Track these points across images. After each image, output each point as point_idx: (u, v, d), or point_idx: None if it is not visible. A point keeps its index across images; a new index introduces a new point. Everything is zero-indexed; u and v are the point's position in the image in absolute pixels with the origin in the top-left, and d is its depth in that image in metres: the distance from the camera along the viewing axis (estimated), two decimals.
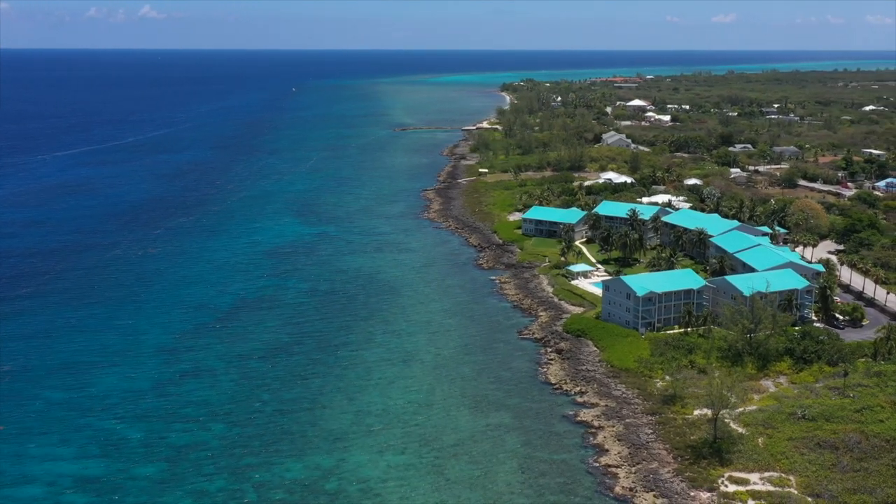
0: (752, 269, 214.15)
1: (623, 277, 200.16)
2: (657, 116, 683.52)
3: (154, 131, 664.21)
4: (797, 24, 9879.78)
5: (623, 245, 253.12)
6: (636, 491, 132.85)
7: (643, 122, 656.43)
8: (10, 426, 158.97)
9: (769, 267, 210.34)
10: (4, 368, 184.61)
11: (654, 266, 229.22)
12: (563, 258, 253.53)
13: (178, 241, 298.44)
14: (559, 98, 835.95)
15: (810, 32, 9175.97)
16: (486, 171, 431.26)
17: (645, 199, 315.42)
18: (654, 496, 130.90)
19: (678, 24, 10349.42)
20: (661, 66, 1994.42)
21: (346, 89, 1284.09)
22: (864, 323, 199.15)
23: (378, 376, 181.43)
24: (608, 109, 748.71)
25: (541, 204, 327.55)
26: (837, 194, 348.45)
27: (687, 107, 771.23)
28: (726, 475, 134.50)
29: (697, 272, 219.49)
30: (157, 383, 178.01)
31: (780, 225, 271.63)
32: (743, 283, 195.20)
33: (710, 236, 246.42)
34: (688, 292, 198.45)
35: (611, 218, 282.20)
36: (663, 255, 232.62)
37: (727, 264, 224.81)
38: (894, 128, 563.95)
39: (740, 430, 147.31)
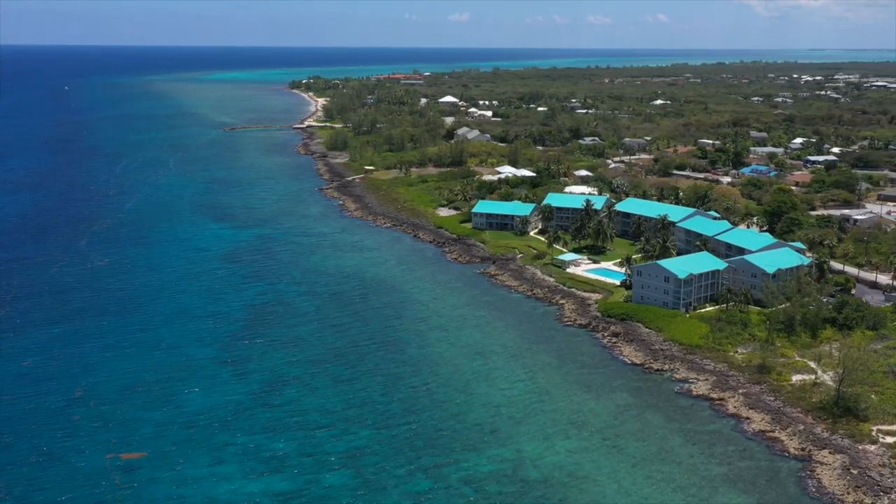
0: (741, 250, 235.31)
1: (659, 262, 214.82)
2: (480, 112, 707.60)
3: None
4: (527, 23, 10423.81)
5: (597, 234, 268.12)
6: (809, 450, 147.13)
7: (467, 118, 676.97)
8: (141, 450, 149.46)
9: (761, 247, 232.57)
10: (77, 394, 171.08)
11: (649, 254, 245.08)
12: (548, 248, 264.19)
13: (118, 252, 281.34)
14: (371, 96, 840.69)
15: (539, 31, 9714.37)
16: (372, 168, 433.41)
17: (577, 190, 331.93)
18: (829, 452, 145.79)
19: (416, 21, 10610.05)
20: (412, 63, 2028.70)
21: (120, 87, 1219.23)
22: (852, 292, 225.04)
23: (470, 370, 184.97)
24: (421, 104, 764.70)
25: (465, 199, 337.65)
26: (715, 181, 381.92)
27: (496, 102, 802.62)
28: (874, 429, 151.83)
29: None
30: (255, 395, 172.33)
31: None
32: (763, 262, 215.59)
33: (674, 222, 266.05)
34: (714, 273, 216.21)
35: (561, 209, 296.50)
36: (654, 241, 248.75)
37: (709, 247, 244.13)
38: (704, 120, 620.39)
39: (845, 389, 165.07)
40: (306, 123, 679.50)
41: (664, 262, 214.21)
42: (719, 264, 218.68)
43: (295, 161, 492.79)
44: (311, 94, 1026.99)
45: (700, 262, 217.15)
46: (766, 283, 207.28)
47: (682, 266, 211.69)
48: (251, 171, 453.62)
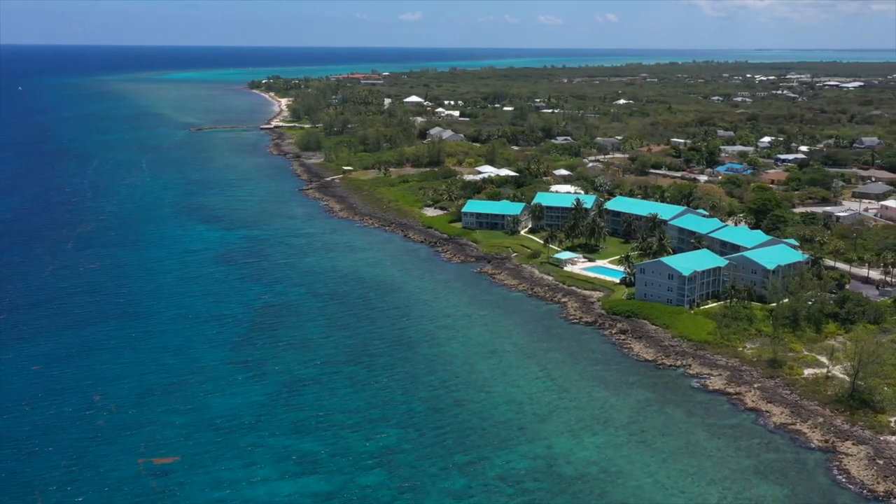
0: (736, 247, 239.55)
1: (663, 260, 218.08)
2: (447, 112, 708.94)
3: None
4: (478, 23, 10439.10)
5: (591, 232, 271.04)
6: (833, 441, 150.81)
7: (434, 117, 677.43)
8: (171, 455, 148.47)
9: (757, 244, 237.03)
10: (95, 399, 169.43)
11: (645, 252, 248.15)
12: (544, 246, 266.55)
13: (108, 256, 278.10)
14: (335, 96, 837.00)
15: (490, 31, 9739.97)
16: (350, 168, 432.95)
17: (562, 189, 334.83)
18: (853, 443, 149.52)
19: (367, 20, 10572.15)
20: (366, 63, 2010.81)
21: (76, 88, 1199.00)
22: (846, 288, 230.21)
23: (486, 368, 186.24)
24: (386, 104, 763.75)
25: (451, 199, 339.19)
26: (693, 180, 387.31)
27: (461, 102, 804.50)
28: (892, 420, 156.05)
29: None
30: (274, 397, 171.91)
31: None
32: (762, 259, 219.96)
33: (665, 220, 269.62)
34: (715, 270, 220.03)
35: (551, 208, 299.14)
36: (651, 239, 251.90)
37: (704, 244, 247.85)
38: (671, 119, 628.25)
39: (859, 383, 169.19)
40: (273, 124, 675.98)
41: (668, 260, 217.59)
42: (720, 261, 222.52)
43: (269, 162, 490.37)
44: (272, 94, 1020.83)
45: (701, 260, 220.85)
46: (771, 279, 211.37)
47: (686, 263, 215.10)
48: (227, 172, 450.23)
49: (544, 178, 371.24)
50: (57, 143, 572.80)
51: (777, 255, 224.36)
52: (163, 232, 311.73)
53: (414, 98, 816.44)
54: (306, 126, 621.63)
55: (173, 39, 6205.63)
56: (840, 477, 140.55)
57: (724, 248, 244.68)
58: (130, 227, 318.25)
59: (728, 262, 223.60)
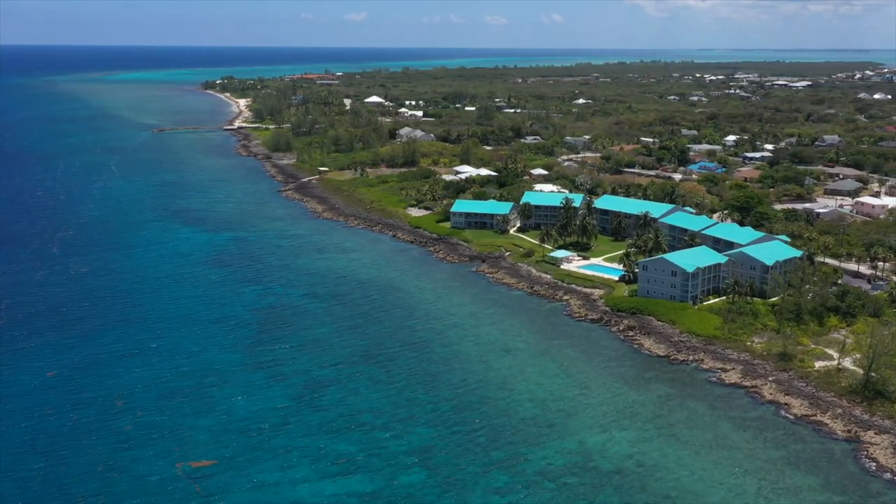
0: (731, 244, 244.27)
1: (665, 256, 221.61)
2: (411, 112, 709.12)
3: None
4: (423, 22, 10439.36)
5: (582, 231, 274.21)
6: (856, 431, 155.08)
7: (398, 117, 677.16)
8: (207, 458, 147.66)
9: (751, 241, 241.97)
10: (119, 404, 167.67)
11: (641, 249, 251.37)
12: (540, 245, 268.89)
13: (97, 260, 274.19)
14: (295, 97, 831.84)
15: (436, 31, 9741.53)
16: (326, 169, 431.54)
17: (545, 189, 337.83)
18: (875, 433, 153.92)
19: (312, 21, 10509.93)
20: (314, 63, 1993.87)
21: (24, 88, 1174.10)
22: (839, 281, 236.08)
23: (503, 366, 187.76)
24: (346, 104, 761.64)
25: (434, 198, 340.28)
26: (668, 178, 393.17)
27: (423, 102, 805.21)
28: None
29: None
30: (298, 399, 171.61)
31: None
32: (761, 255, 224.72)
33: (655, 218, 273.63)
34: (716, 266, 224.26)
35: (539, 207, 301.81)
36: (647, 237, 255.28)
37: (698, 241, 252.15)
38: (633, 119, 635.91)
39: (872, 374, 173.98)
40: (237, 124, 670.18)
41: (670, 257, 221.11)
42: (720, 258, 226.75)
43: (240, 163, 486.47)
44: (227, 94, 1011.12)
45: (702, 256, 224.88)
46: (771, 274, 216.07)
47: (688, 260, 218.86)
48: (199, 173, 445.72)
49: (524, 178, 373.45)
50: (17, 145, 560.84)
51: (774, 251, 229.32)
52: (148, 235, 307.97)
53: (375, 98, 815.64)
54: (271, 127, 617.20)
55: (114, 39, 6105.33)
56: (870, 465, 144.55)
57: (717, 244, 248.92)
58: (113, 231, 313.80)
59: (728, 258, 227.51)
